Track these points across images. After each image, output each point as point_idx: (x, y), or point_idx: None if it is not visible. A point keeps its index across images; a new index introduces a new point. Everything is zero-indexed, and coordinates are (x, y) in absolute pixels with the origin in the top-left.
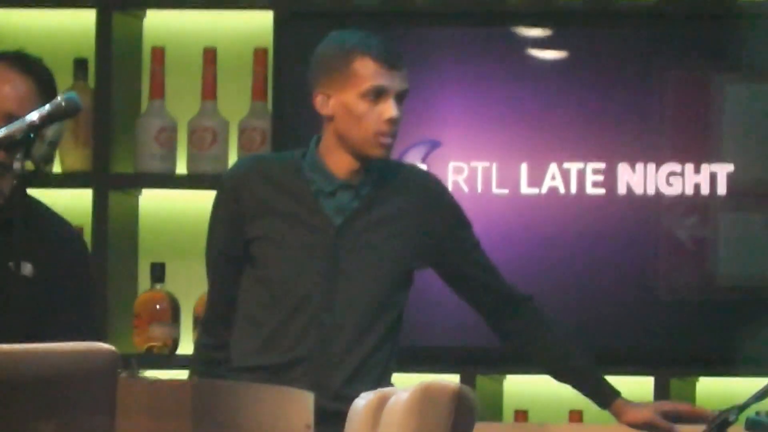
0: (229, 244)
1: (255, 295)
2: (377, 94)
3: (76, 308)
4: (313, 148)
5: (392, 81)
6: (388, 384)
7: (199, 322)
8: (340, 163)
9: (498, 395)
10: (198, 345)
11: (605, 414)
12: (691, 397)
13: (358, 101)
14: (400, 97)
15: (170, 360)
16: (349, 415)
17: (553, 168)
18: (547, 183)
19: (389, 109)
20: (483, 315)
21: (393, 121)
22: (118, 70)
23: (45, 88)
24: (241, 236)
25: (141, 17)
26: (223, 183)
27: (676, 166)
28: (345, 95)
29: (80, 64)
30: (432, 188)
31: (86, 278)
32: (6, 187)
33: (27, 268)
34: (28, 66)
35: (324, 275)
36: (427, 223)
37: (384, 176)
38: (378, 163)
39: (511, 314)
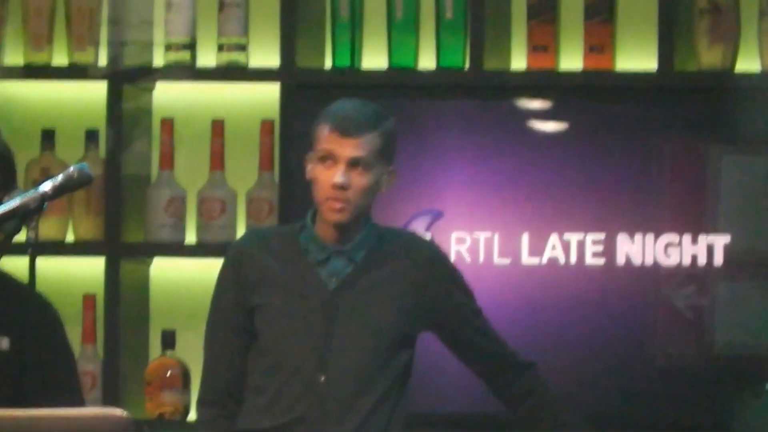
0: (234, 314)
1: (258, 364)
2: (326, 159)
3: (58, 378)
4: (309, 220)
5: (342, 148)
6: None
7: (197, 401)
8: (325, 231)
9: None
10: (202, 421)
11: None
12: None
13: (315, 165)
14: (358, 165)
15: (181, 426)
16: None
17: (553, 238)
18: (548, 253)
19: (335, 174)
20: (485, 380)
21: (337, 186)
22: (128, 141)
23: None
24: (244, 306)
25: (151, 89)
26: (227, 255)
27: (674, 237)
28: (311, 159)
29: (91, 135)
30: (429, 254)
31: (64, 347)
32: None
33: (3, 342)
34: None
35: (319, 338)
36: (424, 288)
37: (380, 242)
38: (371, 229)
39: (513, 380)
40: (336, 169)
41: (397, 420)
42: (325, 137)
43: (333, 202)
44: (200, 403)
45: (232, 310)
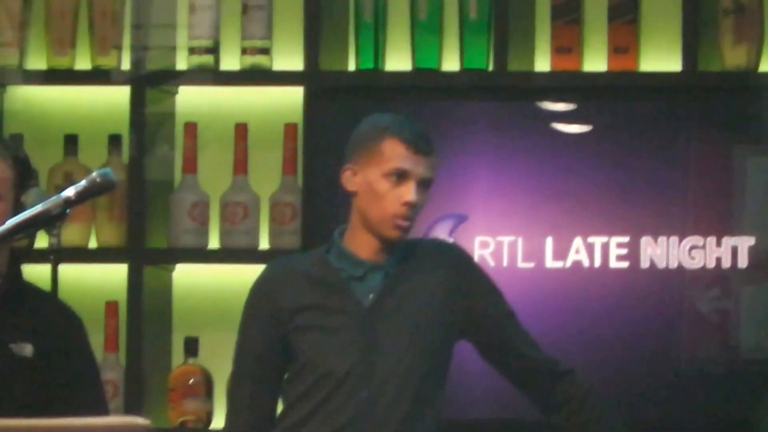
0: (268, 345)
1: (298, 383)
2: (399, 177)
3: (82, 386)
4: (338, 240)
5: (416, 166)
6: None
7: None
8: (364, 245)
9: None
10: None
11: None
12: None
13: (380, 180)
14: (424, 184)
15: None
16: None
17: (577, 242)
18: (572, 257)
19: (408, 192)
20: (521, 387)
21: (410, 205)
22: (151, 146)
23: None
24: (278, 334)
25: (174, 93)
26: (256, 288)
27: (698, 240)
28: (370, 172)
29: (114, 140)
30: (459, 259)
31: (88, 355)
32: (1, 265)
33: (27, 349)
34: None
35: (359, 353)
36: (458, 294)
37: (410, 253)
38: (403, 242)
39: (554, 385)
40: (407, 186)
41: (435, 427)
42: (398, 154)
43: (401, 220)
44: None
45: (265, 341)
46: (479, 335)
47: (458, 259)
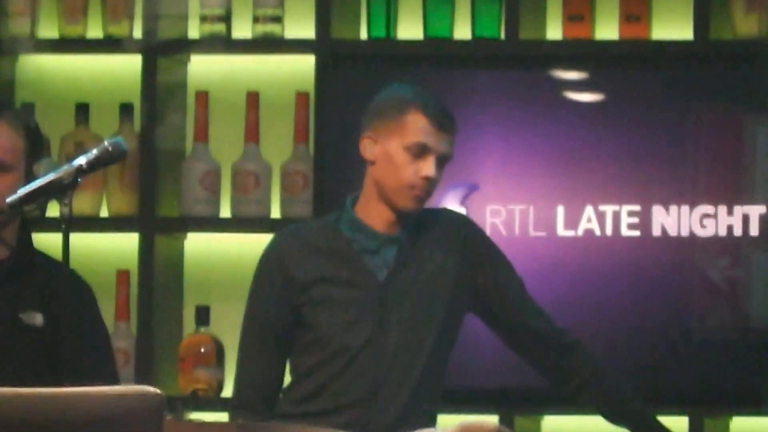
0: (277, 316)
1: (308, 356)
2: (420, 151)
3: (93, 354)
4: (350, 209)
5: (438, 142)
6: (433, 425)
7: (231, 405)
8: (378, 216)
9: None
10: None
11: None
12: None
13: (400, 152)
14: (442, 160)
15: (215, 402)
16: None
17: (588, 210)
18: (583, 225)
19: (428, 167)
20: (529, 358)
21: (428, 180)
22: (162, 115)
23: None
24: (289, 306)
25: (185, 62)
26: (266, 258)
27: (709, 208)
28: (390, 143)
29: (126, 109)
30: (469, 232)
31: (98, 323)
32: (10, 236)
33: (38, 318)
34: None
35: (372, 327)
36: (468, 267)
37: (422, 224)
38: (415, 214)
39: (561, 358)
40: (427, 162)
41: (440, 395)
42: (421, 128)
43: (418, 191)
44: (233, 407)
45: (275, 312)
46: (488, 307)
47: (469, 231)
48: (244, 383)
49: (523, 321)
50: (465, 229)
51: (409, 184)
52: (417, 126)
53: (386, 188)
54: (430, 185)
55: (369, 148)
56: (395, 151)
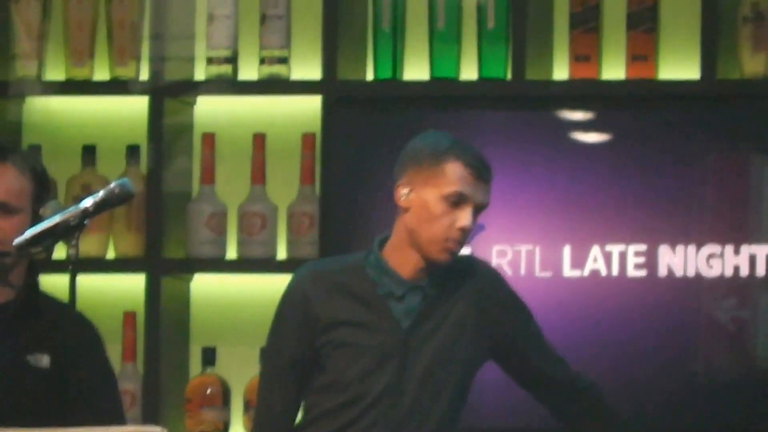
0: (300, 351)
1: (325, 399)
2: (458, 201)
3: (100, 396)
4: (377, 251)
5: (476, 192)
6: None
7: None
8: (407, 263)
9: None
10: None
11: None
12: None
13: (438, 201)
14: (478, 210)
15: None
16: None
17: (595, 250)
18: (590, 265)
19: (465, 217)
20: (547, 404)
21: (464, 231)
22: (169, 156)
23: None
24: (310, 344)
25: (192, 103)
26: (290, 293)
27: (716, 248)
28: (427, 192)
29: (132, 151)
30: (493, 283)
31: (105, 365)
32: (16, 279)
33: (44, 360)
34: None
35: (393, 375)
36: (491, 320)
37: (447, 273)
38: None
39: (575, 402)
40: (465, 211)
41: None
42: (459, 177)
43: (453, 244)
44: None
45: (297, 347)
46: (506, 357)
47: (493, 282)
48: (263, 419)
49: (543, 371)
50: (490, 281)
51: (444, 236)
52: (455, 175)
53: (420, 238)
54: (464, 236)
55: (404, 196)
56: (432, 201)
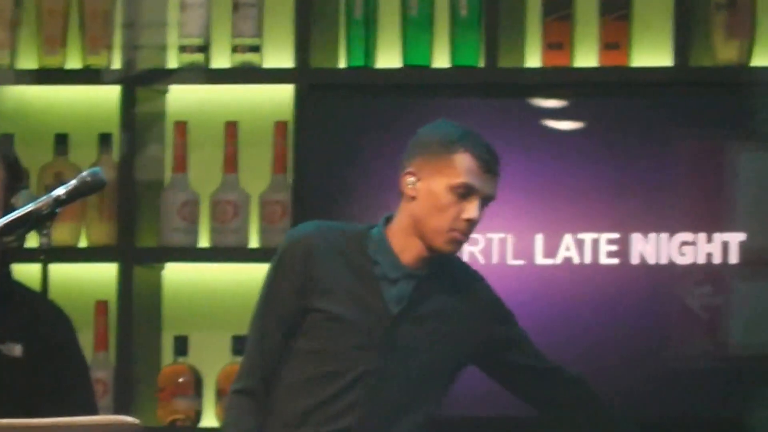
0: (291, 304)
1: (302, 367)
2: (466, 192)
3: (72, 385)
4: (382, 228)
5: (484, 184)
6: None
7: (232, 388)
8: (408, 250)
9: None
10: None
11: None
12: None
13: (446, 192)
14: (485, 202)
15: None
16: None
17: (567, 238)
18: (562, 253)
19: (472, 209)
20: (530, 400)
21: (471, 222)
22: (141, 145)
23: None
24: (303, 303)
25: (164, 92)
26: (291, 247)
27: (688, 236)
28: (435, 182)
29: (105, 139)
30: (483, 294)
31: (77, 354)
32: None
33: (16, 349)
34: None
35: (376, 358)
36: (476, 329)
37: (442, 267)
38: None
39: (559, 395)
40: (472, 203)
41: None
42: (468, 169)
43: (459, 235)
44: (235, 391)
45: (291, 300)
46: (488, 361)
47: (483, 293)
48: (250, 368)
49: (527, 365)
50: (480, 292)
51: (450, 226)
52: (464, 166)
53: (425, 227)
54: (470, 228)
55: (410, 185)
56: (440, 191)
